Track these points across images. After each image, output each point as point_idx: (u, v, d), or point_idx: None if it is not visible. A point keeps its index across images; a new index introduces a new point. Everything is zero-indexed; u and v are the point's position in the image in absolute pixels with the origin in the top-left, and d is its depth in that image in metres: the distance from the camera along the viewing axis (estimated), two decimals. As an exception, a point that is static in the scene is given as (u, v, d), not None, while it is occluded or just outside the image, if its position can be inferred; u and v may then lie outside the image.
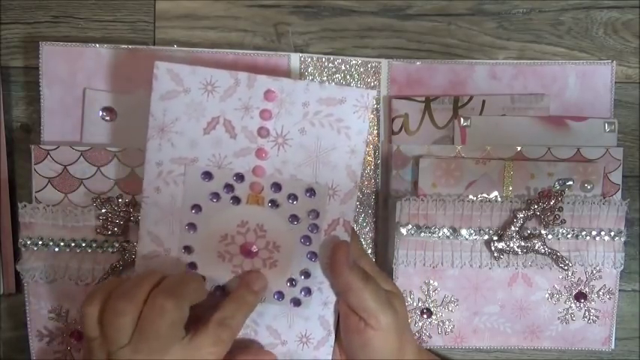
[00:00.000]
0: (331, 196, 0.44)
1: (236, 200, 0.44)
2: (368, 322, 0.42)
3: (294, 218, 0.44)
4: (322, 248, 0.44)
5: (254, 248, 0.44)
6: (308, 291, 0.45)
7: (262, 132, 0.43)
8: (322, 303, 0.45)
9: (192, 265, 0.44)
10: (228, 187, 0.43)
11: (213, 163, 0.43)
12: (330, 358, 0.46)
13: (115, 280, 0.43)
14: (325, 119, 0.43)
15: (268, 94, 0.42)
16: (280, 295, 0.45)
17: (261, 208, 0.44)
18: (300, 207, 0.44)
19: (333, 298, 0.45)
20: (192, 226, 0.44)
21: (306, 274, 0.45)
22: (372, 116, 0.53)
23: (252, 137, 0.43)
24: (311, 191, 0.44)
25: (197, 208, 0.44)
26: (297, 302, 0.45)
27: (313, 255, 0.44)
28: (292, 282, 0.45)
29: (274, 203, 0.44)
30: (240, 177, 0.43)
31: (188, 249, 0.44)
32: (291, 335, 0.46)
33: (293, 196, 0.44)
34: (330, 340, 0.46)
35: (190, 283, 0.42)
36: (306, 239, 0.44)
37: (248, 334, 0.45)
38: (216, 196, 0.44)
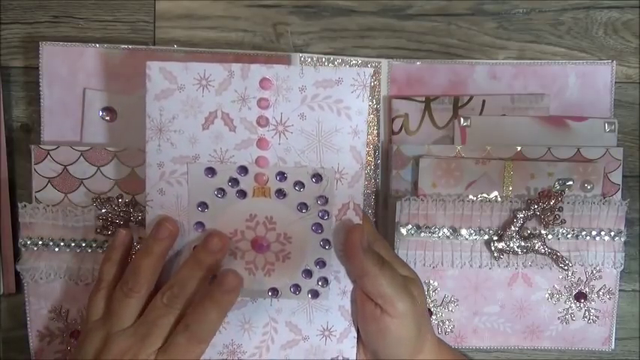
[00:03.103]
0: (338, 179, 0.43)
1: (242, 194, 0.43)
2: (384, 309, 0.41)
3: (302, 206, 0.43)
4: (335, 234, 0.43)
5: (265, 242, 0.43)
6: (325, 281, 0.44)
7: (261, 121, 0.42)
8: (341, 292, 0.44)
9: None
10: (233, 181, 0.43)
11: (216, 159, 0.43)
12: (355, 349, 0.45)
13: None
14: (324, 102, 0.42)
15: (264, 83, 0.42)
16: (297, 288, 0.44)
17: (268, 199, 0.43)
18: (307, 194, 0.43)
19: (351, 286, 0.44)
20: (200, 224, 0.43)
21: (322, 264, 0.44)
22: (372, 116, 0.53)
23: (252, 128, 0.42)
24: (317, 177, 0.43)
25: (203, 205, 0.43)
26: (315, 294, 0.44)
27: (326, 242, 0.43)
28: (308, 273, 0.44)
29: (281, 193, 0.43)
30: (243, 170, 0.43)
31: None
32: (312, 330, 0.45)
33: (299, 184, 0.43)
34: (353, 331, 0.45)
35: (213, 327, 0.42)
36: (318, 227, 0.43)
37: (268, 333, 0.45)
38: (221, 191, 0.43)
